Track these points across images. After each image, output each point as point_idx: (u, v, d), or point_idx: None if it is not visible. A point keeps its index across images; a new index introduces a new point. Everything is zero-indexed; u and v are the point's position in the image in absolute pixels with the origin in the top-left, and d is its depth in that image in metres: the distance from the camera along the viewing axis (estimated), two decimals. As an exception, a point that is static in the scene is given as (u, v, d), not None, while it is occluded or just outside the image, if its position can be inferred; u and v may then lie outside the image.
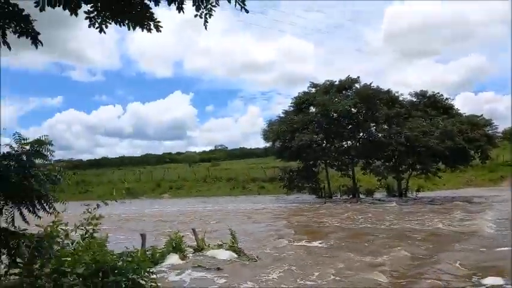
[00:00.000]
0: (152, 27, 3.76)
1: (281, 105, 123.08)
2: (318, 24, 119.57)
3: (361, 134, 31.67)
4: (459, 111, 31.27)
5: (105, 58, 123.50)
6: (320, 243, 11.37)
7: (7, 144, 4.24)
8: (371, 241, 11.34)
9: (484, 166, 41.63)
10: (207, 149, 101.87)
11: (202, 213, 21.84)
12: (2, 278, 4.25)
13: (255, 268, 8.32)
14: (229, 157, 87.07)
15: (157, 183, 44.16)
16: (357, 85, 31.00)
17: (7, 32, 3.61)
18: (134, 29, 3.66)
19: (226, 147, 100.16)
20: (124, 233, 13.01)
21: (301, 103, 32.15)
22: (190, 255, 9.42)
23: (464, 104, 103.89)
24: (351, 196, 31.16)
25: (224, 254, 9.23)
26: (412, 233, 12.62)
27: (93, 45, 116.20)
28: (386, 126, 30.10)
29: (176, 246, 9.23)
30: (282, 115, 33.05)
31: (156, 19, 3.73)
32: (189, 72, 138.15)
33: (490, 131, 29.68)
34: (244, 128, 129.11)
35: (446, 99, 31.60)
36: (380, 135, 30.01)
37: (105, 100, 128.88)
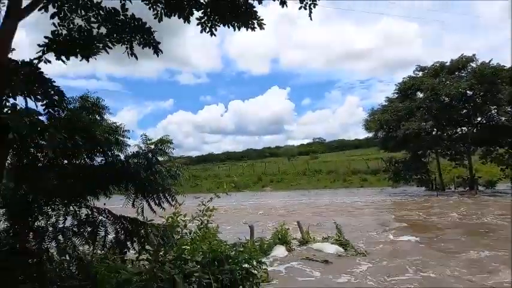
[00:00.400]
0: (256, 25, 3.83)
1: (382, 93, 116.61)
2: (421, 1, 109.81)
3: (478, 119, 28.38)
4: None
5: (208, 61, 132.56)
6: (432, 238, 10.52)
7: (136, 145, 4.79)
8: (490, 239, 10.03)
9: None
10: (305, 142, 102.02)
11: (304, 206, 21.88)
12: (135, 262, 4.80)
13: (365, 262, 8.03)
14: (327, 149, 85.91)
15: (259, 176, 45.61)
16: (472, 64, 27.75)
17: (134, 44, 4.04)
18: (240, 29, 3.78)
19: (324, 140, 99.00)
20: (231, 225, 13.71)
21: (407, 89, 30.00)
22: (296, 247, 9.50)
23: None
24: (467, 188, 28.04)
25: (330, 248, 9.09)
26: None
27: (196, 50, 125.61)
28: (510, 109, 26.35)
29: (282, 238, 9.41)
30: (384, 103, 31.38)
31: (259, 17, 3.79)
32: (285, 67, 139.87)
33: None
34: (343, 119, 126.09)
35: None
36: (503, 118, 26.43)
37: (209, 100, 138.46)
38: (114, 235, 5.10)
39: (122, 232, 5.17)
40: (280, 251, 8.90)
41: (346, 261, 8.23)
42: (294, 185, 41.43)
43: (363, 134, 32.57)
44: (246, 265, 4.88)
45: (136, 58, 4.16)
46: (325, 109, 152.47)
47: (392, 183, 31.09)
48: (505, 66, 26.98)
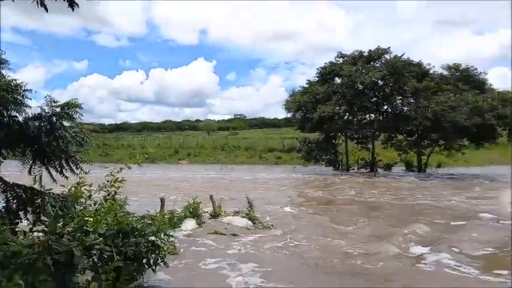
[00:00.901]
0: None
1: (305, 76, 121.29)
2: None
3: (385, 107, 30.99)
4: (492, 87, 30.05)
5: (131, 24, 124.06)
6: (332, 211, 11.52)
7: (39, 106, 4.29)
8: (381, 216, 11.28)
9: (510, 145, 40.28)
10: (226, 117, 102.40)
11: (219, 181, 22.15)
12: (27, 234, 4.40)
13: (270, 235, 8.43)
14: (248, 126, 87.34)
15: (176, 149, 44.83)
16: (386, 56, 30.02)
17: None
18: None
19: (245, 117, 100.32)
20: (141, 197, 13.33)
21: (327, 74, 31.51)
22: (207, 220, 9.60)
23: (498, 79, 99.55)
24: (368, 170, 30.92)
25: (240, 221, 9.35)
26: (425, 209, 12.48)
27: (119, 11, 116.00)
28: (412, 100, 29.29)
29: (193, 212, 9.41)
30: (305, 85, 32.61)
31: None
32: (213, 39, 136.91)
33: (521, 109, 28.53)
34: (265, 97, 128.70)
35: (480, 73, 30.34)
36: (406, 109, 29.31)
37: (128, 65, 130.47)
38: (4, 204, 4.59)
39: (14, 201, 4.67)
40: (190, 224, 8.91)
41: (253, 234, 8.54)
42: (211, 160, 41.57)
43: (282, 114, 33.82)
44: (153, 238, 4.79)
45: (46, 10, 3.65)
46: (249, 86, 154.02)
47: (304, 162, 32.92)
48: (413, 61, 29.76)
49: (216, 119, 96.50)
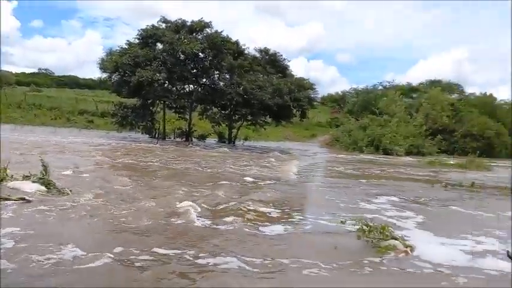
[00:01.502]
0: None
1: (127, 36, 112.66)
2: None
3: (204, 80, 31.95)
4: (292, 73, 34.75)
5: None
6: (142, 177, 11.37)
7: None
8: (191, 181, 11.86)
9: (301, 124, 48.39)
10: (28, 71, 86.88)
11: (11, 143, 18.73)
12: None
13: (66, 200, 7.68)
14: (55, 84, 76.47)
15: (-49, 103, 35.48)
16: (208, 30, 30.63)
17: None
18: None
19: (53, 73, 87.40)
20: None
21: (148, 37, 30.11)
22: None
23: (297, 67, 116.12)
24: (183, 139, 31.76)
25: (30, 186, 8.14)
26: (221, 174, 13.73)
27: None
28: (228, 76, 31.17)
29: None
30: (125, 46, 30.38)
31: None
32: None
33: (312, 95, 34.25)
34: (79, 54, 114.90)
35: (284, 59, 34.54)
36: (222, 83, 30.95)
37: None
38: None
39: None
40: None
41: (48, 199, 7.61)
42: (2, 119, 34.65)
43: (98, 75, 30.51)
44: None
45: None
46: (59, 38, 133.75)
47: (118, 127, 31.21)
48: (231, 39, 31.40)
49: (14, 71, 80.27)
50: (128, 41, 30.79)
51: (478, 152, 28.50)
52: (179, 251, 5.19)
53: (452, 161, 26.99)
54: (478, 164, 23.34)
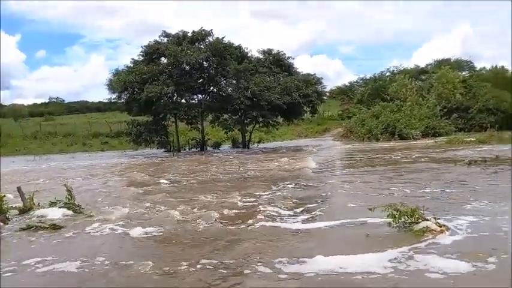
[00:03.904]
0: None
1: (131, 56, 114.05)
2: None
3: (211, 88, 32.15)
4: (298, 70, 34.62)
5: None
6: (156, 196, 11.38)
7: None
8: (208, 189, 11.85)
9: (313, 120, 48.12)
10: (39, 101, 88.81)
11: (32, 172, 19.10)
12: None
13: (93, 223, 7.73)
14: (67, 111, 77.91)
15: (-27, 140, 36.42)
16: (210, 38, 30.83)
17: None
18: None
19: (63, 100, 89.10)
20: None
21: (152, 53, 30.51)
22: (15, 217, 8.12)
23: (302, 64, 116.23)
24: (199, 149, 31.91)
25: (56, 212, 8.24)
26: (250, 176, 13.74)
27: None
28: (234, 81, 31.24)
29: (-6, 208, 7.79)
30: (130, 64, 30.80)
31: None
32: (16, 9, 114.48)
33: (319, 89, 34.04)
34: (86, 79, 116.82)
35: (288, 58, 34.44)
36: (229, 89, 31.05)
37: None
38: None
39: None
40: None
41: (76, 223, 7.69)
42: (20, 150, 35.44)
43: (106, 96, 30.86)
44: None
45: None
46: (65, 66, 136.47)
47: (134, 145, 31.55)
48: (234, 44, 31.56)
49: (26, 103, 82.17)
50: (132, 59, 31.28)
51: (496, 126, 27.81)
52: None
53: (471, 137, 26.39)
54: (500, 138, 22.79)
